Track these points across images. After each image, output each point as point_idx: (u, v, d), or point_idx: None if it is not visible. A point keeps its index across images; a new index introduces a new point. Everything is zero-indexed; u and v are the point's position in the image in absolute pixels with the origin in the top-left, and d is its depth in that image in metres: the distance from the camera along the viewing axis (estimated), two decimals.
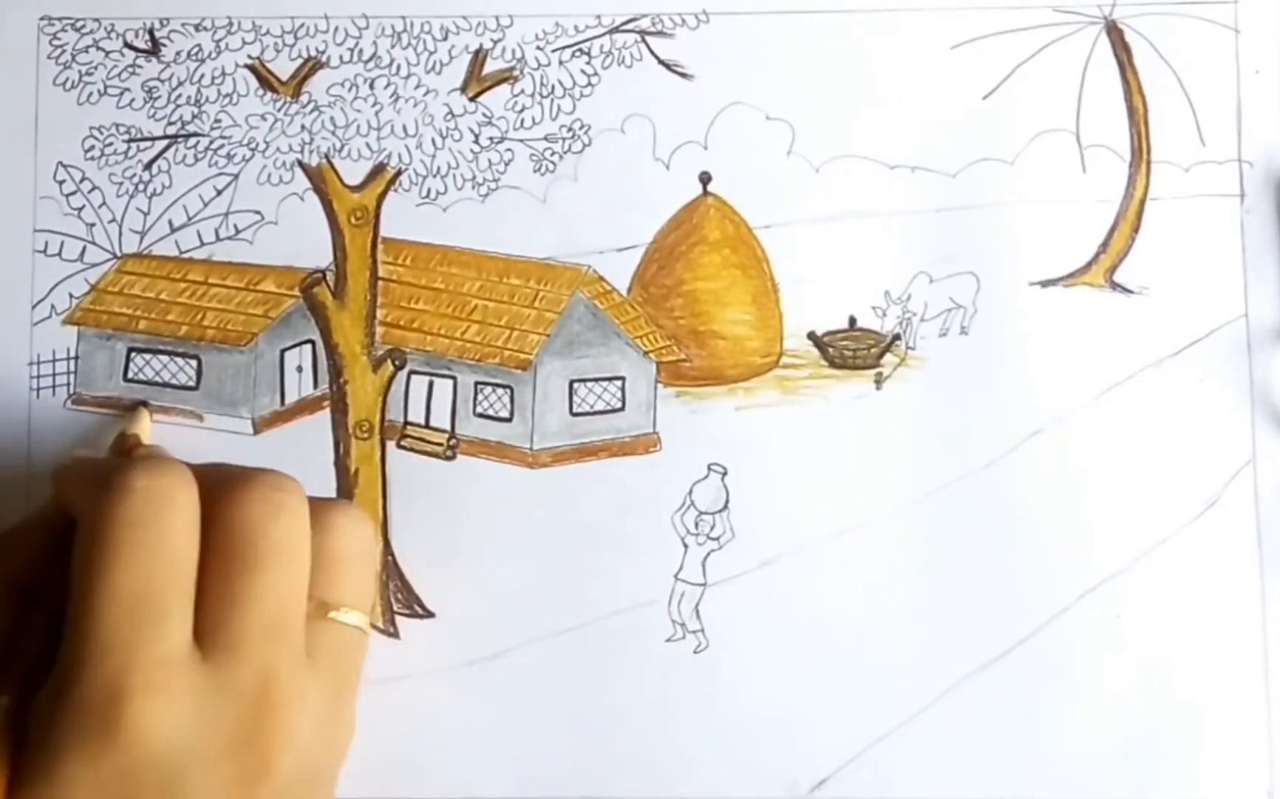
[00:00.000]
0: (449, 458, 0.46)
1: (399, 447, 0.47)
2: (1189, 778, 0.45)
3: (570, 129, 0.47)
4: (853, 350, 0.47)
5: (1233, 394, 0.46)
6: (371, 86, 0.47)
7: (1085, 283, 0.47)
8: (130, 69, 0.47)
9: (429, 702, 0.45)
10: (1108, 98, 0.47)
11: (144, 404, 0.46)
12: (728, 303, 0.47)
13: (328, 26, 0.48)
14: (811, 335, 0.47)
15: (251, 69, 0.47)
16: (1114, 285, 0.47)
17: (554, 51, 0.47)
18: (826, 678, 0.45)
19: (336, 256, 0.47)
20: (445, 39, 0.47)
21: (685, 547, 0.46)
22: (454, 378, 0.47)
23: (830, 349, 0.47)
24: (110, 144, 0.47)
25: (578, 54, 0.47)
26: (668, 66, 0.47)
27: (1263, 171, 0.47)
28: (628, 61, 0.47)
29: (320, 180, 0.47)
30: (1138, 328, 0.47)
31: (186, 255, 0.47)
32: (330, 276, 0.47)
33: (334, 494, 0.46)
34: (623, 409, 0.47)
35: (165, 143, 0.47)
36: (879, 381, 0.47)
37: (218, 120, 0.47)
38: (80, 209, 0.47)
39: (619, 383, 0.47)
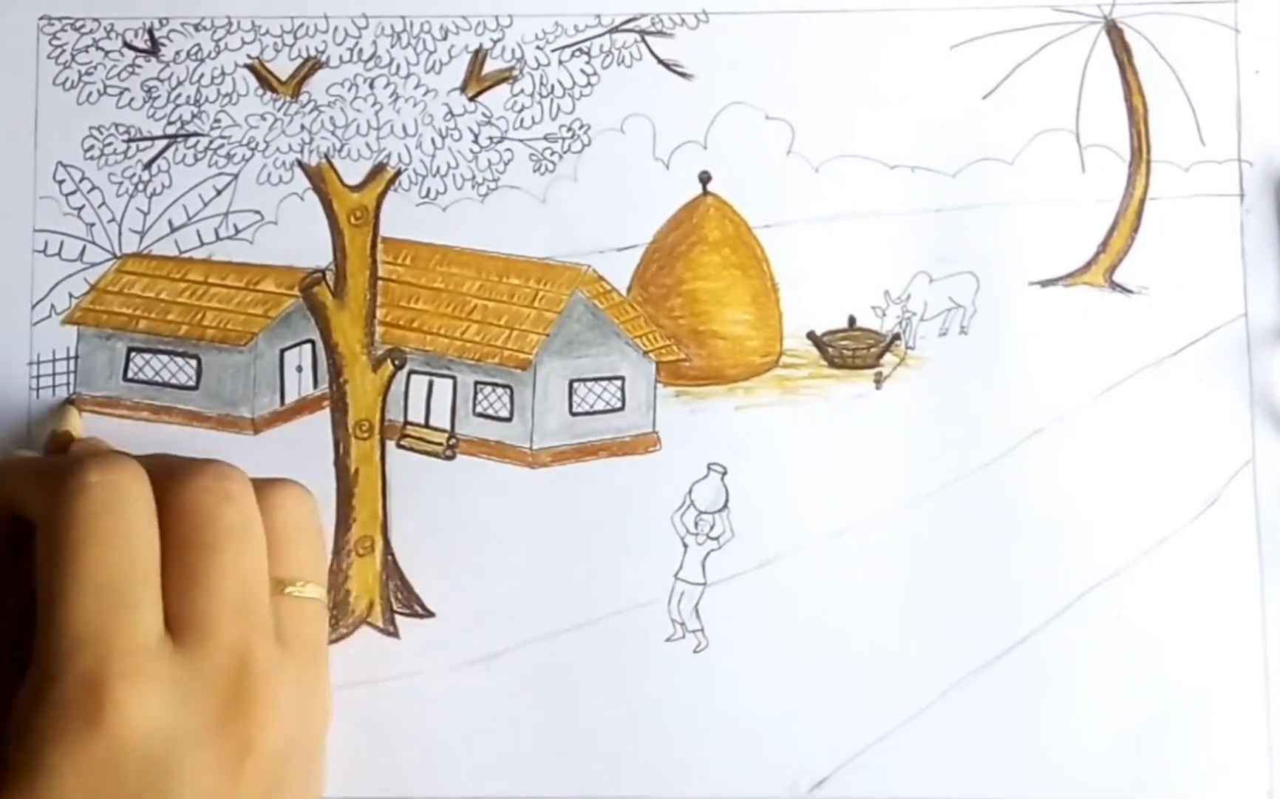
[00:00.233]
0: (449, 458, 0.46)
1: (399, 446, 0.47)
2: (1189, 778, 0.45)
3: (570, 129, 0.47)
4: (852, 350, 0.47)
5: (1232, 394, 0.46)
6: (371, 86, 0.47)
7: (1085, 283, 0.47)
8: (130, 69, 0.47)
9: (429, 701, 0.45)
10: (1107, 97, 0.47)
11: (70, 401, 0.46)
12: (727, 302, 0.47)
13: (327, 26, 0.48)
14: (811, 335, 0.47)
15: (251, 69, 0.47)
16: (1114, 285, 0.47)
17: (554, 51, 0.47)
18: (826, 678, 0.45)
19: (336, 256, 0.47)
20: (445, 39, 0.47)
21: (685, 546, 0.46)
22: (454, 377, 0.47)
23: (830, 349, 0.47)
24: (110, 144, 0.47)
25: (577, 54, 0.47)
26: (667, 66, 0.47)
27: (1262, 171, 0.47)
28: (627, 61, 0.47)
29: (320, 180, 0.47)
30: (1137, 328, 0.47)
31: (186, 255, 0.47)
32: (330, 276, 0.47)
33: (334, 494, 0.46)
34: (622, 409, 0.47)
35: (165, 142, 0.47)
36: (879, 381, 0.47)
37: (217, 120, 0.47)
38: (80, 209, 0.47)
39: (619, 382, 0.47)
